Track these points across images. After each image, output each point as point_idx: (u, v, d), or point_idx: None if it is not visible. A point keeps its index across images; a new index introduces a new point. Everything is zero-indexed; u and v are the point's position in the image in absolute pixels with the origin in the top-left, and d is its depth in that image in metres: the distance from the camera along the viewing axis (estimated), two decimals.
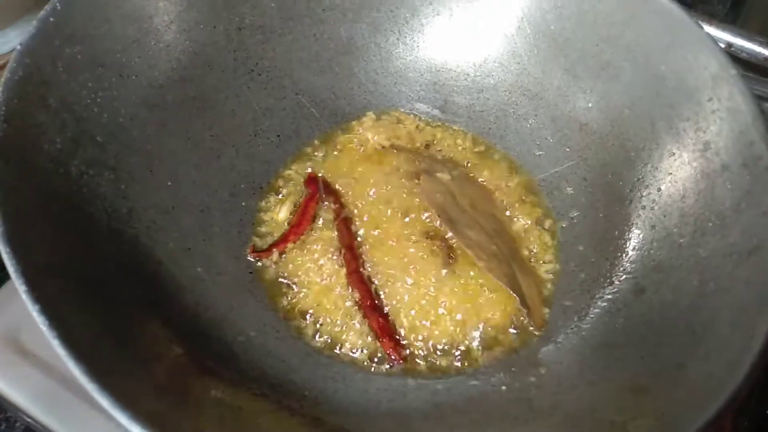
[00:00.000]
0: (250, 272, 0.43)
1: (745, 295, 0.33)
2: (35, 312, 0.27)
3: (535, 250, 0.46)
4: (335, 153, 0.50)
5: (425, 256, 0.44)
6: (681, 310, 0.36)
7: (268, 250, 0.44)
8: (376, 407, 0.37)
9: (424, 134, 0.52)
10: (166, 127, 0.43)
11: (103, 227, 0.36)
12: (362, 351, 0.41)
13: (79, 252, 0.33)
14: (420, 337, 0.42)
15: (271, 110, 0.49)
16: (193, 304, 0.38)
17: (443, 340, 0.41)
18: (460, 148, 0.51)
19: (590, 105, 0.47)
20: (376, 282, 0.43)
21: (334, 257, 0.44)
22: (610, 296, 0.41)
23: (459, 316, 0.42)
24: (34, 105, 0.34)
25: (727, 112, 0.38)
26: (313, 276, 0.44)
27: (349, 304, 0.42)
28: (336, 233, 0.45)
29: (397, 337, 0.41)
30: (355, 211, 0.46)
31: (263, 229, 0.46)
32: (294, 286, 0.43)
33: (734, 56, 0.50)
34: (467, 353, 0.41)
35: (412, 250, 0.45)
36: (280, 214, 0.46)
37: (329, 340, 0.41)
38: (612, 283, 0.41)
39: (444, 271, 0.44)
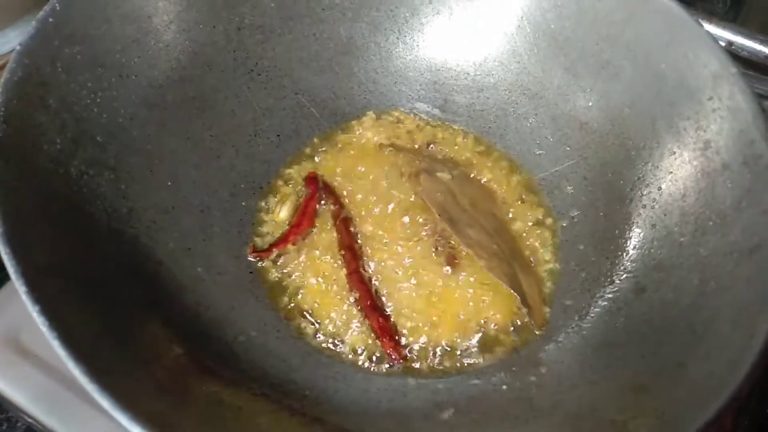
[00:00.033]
0: (251, 272, 0.43)
1: (745, 294, 0.33)
2: (35, 312, 0.27)
3: (535, 250, 0.46)
4: (335, 153, 0.50)
5: (425, 255, 0.44)
6: (681, 309, 0.36)
7: (269, 249, 0.44)
8: (376, 407, 0.37)
9: (424, 134, 0.52)
10: (165, 127, 0.43)
11: (103, 227, 0.36)
12: (363, 351, 0.41)
13: (79, 252, 0.33)
14: (420, 337, 0.41)
15: (270, 110, 0.49)
16: (194, 304, 0.38)
17: (444, 340, 0.41)
18: (460, 147, 0.51)
19: (590, 104, 0.47)
20: (377, 282, 0.43)
21: (335, 257, 0.44)
22: (610, 295, 0.41)
23: (459, 316, 0.42)
24: (33, 105, 0.34)
25: (728, 110, 0.38)
26: (314, 276, 0.44)
27: (349, 303, 0.42)
28: (336, 233, 0.45)
29: (398, 336, 0.41)
30: (355, 210, 0.46)
31: (263, 229, 0.46)
32: (294, 286, 0.43)
33: (735, 54, 0.50)
34: (468, 353, 0.41)
35: (412, 249, 0.45)
36: (280, 214, 0.46)
37: (330, 340, 0.41)
38: (612, 282, 0.41)
39: (444, 271, 0.44)
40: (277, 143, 0.49)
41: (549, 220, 0.47)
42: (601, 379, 0.36)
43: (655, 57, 0.42)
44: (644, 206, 0.42)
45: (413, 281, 0.43)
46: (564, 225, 0.47)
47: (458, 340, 0.41)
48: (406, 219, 0.46)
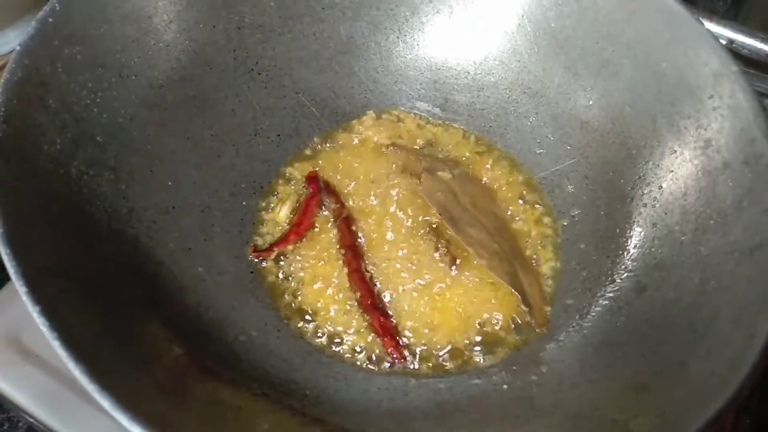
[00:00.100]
0: (251, 272, 0.43)
1: (746, 293, 0.33)
2: (35, 313, 0.27)
3: (536, 249, 0.46)
4: (336, 152, 0.50)
5: (426, 255, 0.44)
6: (682, 308, 0.36)
7: (269, 249, 0.44)
8: (377, 406, 0.37)
9: (424, 133, 0.52)
10: (166, 127, 0.43)
11: (104, 227, 0.36)
12: (363, 350, 0.41)
13: (79, 252, 0.33)
14: (421, 336, 0.41)
15: (271, 109, 0.49)
16: (194, 304, 0.38)
17: (444, 339, 0.41)
18: (460, 146, 0.51)
19: (591, 103, 0.47)
20: (377, 281, 0.43)
21: (336, 256, 0.44)
22: (611, 294, 0.41)
23: (460, 315, 0.42)
24: (33, 106, 0.34)
25: (729, 109, 0.38)
26: (315, 275, 0.44)
27: (350, 303, 0.42)
28: (337, 232, 0.45)
29: (398, 336, 0.41)
30: (356, 210, 0.46)
31: (264, 229, 0.46)
32: (295, 286, 0.43)
33: (735, 53, 0.49)
34: (468, 352, 0.41)
35: (413, 249, 0.45)
36: (280, 213, 0.46)
37: (330, 340, 0.41)
38: (613, 281, 0.41)
39: (445, 270, 0.44)
40: (278, 143, 0.49)
41: (550, 219, 0.47)
42: (601, 378, 0.36)
43: (656, 55, 0.42)
44: (645, 205, 0.42)
45: (414, 280, 0.43)
46: (565, 224, 0.47)
47: (459, 340, 0.41)
48: (407, 218, 0.46)
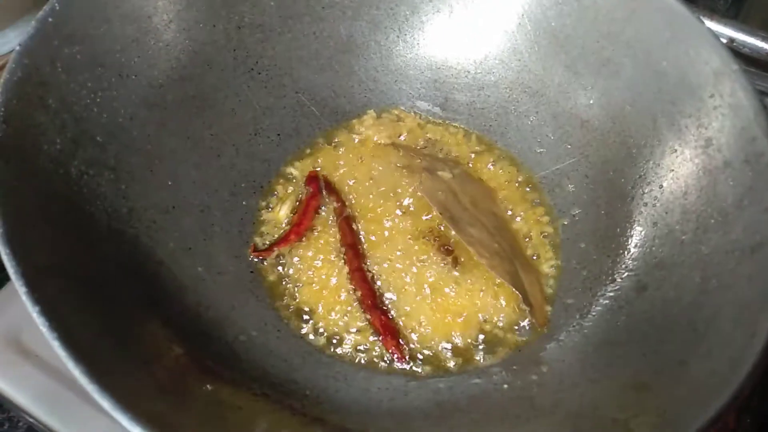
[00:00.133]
0: (251, 271, 0.43)
1: (747, 292, 0.33)
2: (35, 313, 0.27)
3: (536, 248, 0.46)
4: (336, 151, 0.50)
5: (427, 254, 0.44)
6: (683, 307, 0.36)
7: (269, 249, 0.44)
8: (377, 406, 0.37)
9: (425, 132, 0.52)
10: (165, 127, 0.43)
11: (104, 227, 0.36)
12: (364, 350, 0.41)
13: (79, 252, 0.33)
14: (422, 336, 0.41)
15: (271, 109, 0.49)
16: (194, 304, 0.38)
17: (445, 338, 0.41)
18: (461, 145, 0.51)
19: (591, 102, 0.47)
20: (378, 281, 0.43)
21: (336, 256, 0.44)
22: (612, 293, 0.41)
23: (461, 315, 0.42)
24: (33, 105, 0.34)
25: (729, 108, 0.38)
26: (315, 275, 0.44)
27: (350, 302, 0.42)
28: (338, 232, 0.45)
29: (399, 335, 0.41)
30: (356, 209, 0.46)
31: (264, 229, 0.46)
32: (295, 285, 0.43)
33: (736, 52, 0.49)
34: (469, 351, 0.41)
35: (413, 248, 0.45)
36: (280, 213, 0.46)
37: (331, 339, 0.41)
38: (614, 280, 0.41)
39: (445, 269, 0.44)
40: (278, 142, 0.49)
41: (550, 219, 0.47)
42: (602, 377, 0.36)
43: (656, 54, 0.42)
44: (645, 204, 0.42)
45: (415, 280, 0.43)
46: (565, 223, 0.47)
47: (459, 339, 0.41)
48: (408, 218, 0.46)
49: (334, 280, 0.43)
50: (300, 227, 0.45)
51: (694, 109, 0.40)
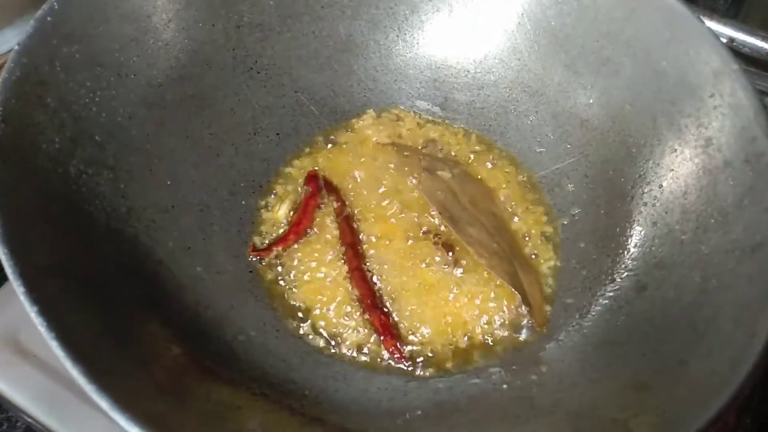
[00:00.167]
0: (250, 271, 0.43)
1: (747, 292, 0.33)
2: (33, 313, 0.27)
3: (536, 248, 0.46)
4: (335, 151, 0.50)
5: (426, 253, 0.44)
6: (683, 306, 0.36)
7: (268, 248, 0.44)
8: (376, 406, 0.37)
9: (424, 132, 0.52)
10: (165, 126, 0.43)
11: (102, 227, 0.36)
12: (363, 349, 0.41)
13: (78, 252, 0.33)
14: (421, 335, 0.41)
15: (270, 108, 0.49)
16: (193, 304, 0.38)
17: (444, 339, 0.41)
18: (460, 145, 0.51)
19: (591, 101, 0.47)
20: (378, 280, 0.43)
21: (335, 255, 0.44)
22: (611, 293, 0.41)
23: (460, 314, 0.42)
24: (32, 105, 0.34)
25: (729, 107, 0.38)
26: (314, 274, 0.43)
27: (349, 302, 0.42)
28: (337, 231, 0.45)
29: (399, 335, 0.41)
30: (356, 209, 0.46)
31: (263, 228, 0.45)
32: (294, 285, 0.43)
33: (736, 51, 0.49)
34: (468, 351, 0.41)
35: (413, 248, 0.45)
36: (279, 212, 0.46)
37: (330, 339, 0.41)
38: (613, 280, 0.41)
39: (445, 269, 0.44)
40: (277, 141, 0.49)
41: (549, 218, 0.47)
42: (602, 377, 0.36)
43: (656, 54, 0.42)
44: (645, 204, 0.42)
45: (414, 279, 0.43)
46: (565, 223, 0.47)
47: (458, 339, 0.41)
48: (407, 217, 0.46)
49: (333, 280, 0.43)
50: (299, 227, 0.45)
51: (694, 109, 0.40)
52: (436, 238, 0.45)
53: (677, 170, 0.41)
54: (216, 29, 0.46)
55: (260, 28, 0.48)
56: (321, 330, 0.41)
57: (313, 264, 0.44)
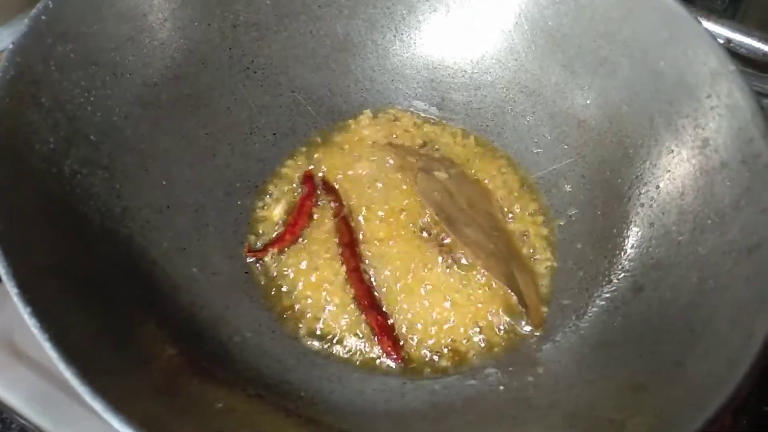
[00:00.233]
0: (246, 272, 0.43)
1: (744, 293, 0.33)
2: (27, 314, 0.27)
3: (532, 249, 0.46)
4: (332, 151, 0.50)
5: (423, 254, 0.44)
6: (680, 307, 0.35)
7: (264, 249, 0.44)
8: (372, 408, 0.37)
9: (421, 132, 0.52)
10: (160, 126, 0.42)
11: (97, 227, 0.36)
12: (359, 350, 0.41)
13: (72, 252, 0.33)
14: (418, 336, 0.41)
15: (266, 108, 0.49)
16: (188, 304, 0.38)
17: (441, 340, 0.41)
18: (457, 145, 0.51)
19: (588, 101, 0.47)
20: (375, 281, 0.43)
21: (332, 256, 0.44)
22: (608, 294, 0.41)
23: (457, 315, 0.42)
24: (26, 104, 0.34)
25: (726, 108, 0.38)
26: (310, 275, 0.43)
27: (346, 303, 0.42)
28: (335, 231, 0.45)
29: (396, 336, 0.41)
30: (353, 209, 0.46)
31: (259, 228, 0.45)
32: (290, 286, 0.43)
33: (733, 52, 0.49)
34: (465, 353, 0.41)
35: (410, 249, 0.44)
36: (275, 212, 0.46)
37: (326, 340, 0.41)
38: (610, 281, 0.41)
39: (442, 270, 0.43)
40: (273, 141, 0.49)
41: (546, 219, 0.47)
42: (598, 378, 0.36)
43: (654, 54, 0.42)
44: (642, 205, 0.42)
45: (411, 280, 0.43)
46: (561, 224, 0.46)
47: (456, 340, 0.41)
48: (404, 218, 0.46)
49: (329, 281, 0.43)
50: (295, 227, 0.45)
51: (691, 110, 0.40)
52: (432, 239, 0.45)
53: (674, 171, 0.41)
54: (212, 28, 0.46)
55: (257, 27, 0.48)
56: (317, 331, 0.41)
57: (310, 265, 0.44)
